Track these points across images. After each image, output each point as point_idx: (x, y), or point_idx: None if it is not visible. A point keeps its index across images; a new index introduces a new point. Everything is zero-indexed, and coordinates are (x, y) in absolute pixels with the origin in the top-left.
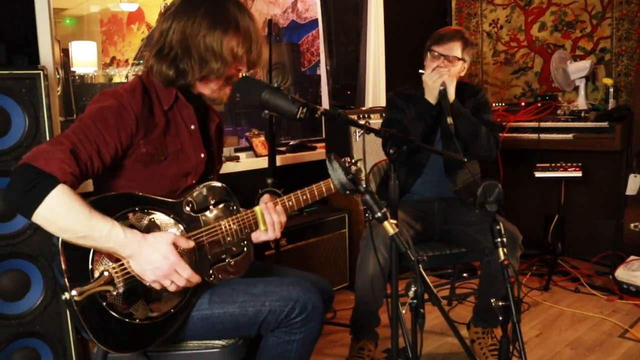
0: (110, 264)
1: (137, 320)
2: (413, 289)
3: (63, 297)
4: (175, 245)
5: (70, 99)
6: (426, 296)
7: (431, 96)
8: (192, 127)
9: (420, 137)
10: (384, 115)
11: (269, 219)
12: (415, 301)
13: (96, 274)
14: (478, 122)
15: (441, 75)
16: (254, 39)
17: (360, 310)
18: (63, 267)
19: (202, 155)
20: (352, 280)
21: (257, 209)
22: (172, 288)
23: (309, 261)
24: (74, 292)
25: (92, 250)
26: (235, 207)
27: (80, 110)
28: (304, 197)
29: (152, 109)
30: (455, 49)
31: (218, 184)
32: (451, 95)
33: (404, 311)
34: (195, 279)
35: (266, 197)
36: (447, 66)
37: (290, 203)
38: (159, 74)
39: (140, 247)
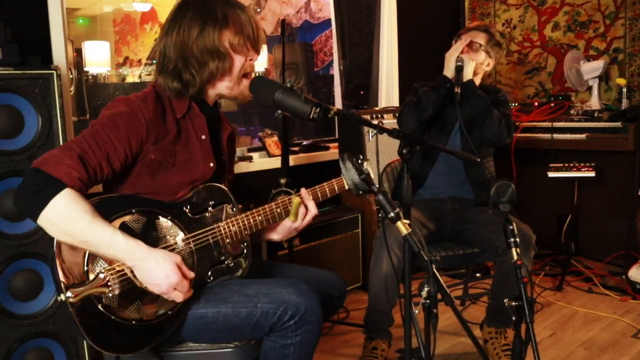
0: (106, 265)
1: (134, 322)
2: (426, 289)
3: (59, 298)
4: (178, 267)
5: (83, 98)
6: (439, 296)
7: (448, 70)
8: (203, 137)
9: (433, 109)
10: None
11: (302, 211)
12: (428, 301)
13: (91, 276)
14: (491, 104)
15: (460, 51)
16: (246, 24)
17: (373, 310)
18: (59, 268)
19: (212, 164)
20: (365, 280)
21: (296, 200)
22: (171, 297)
23: (322, 261)
24: (69, 294)
25: (87, 253)
26: (234, 209)
27: (93, 110)
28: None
29: (164, 116)
30: (479, 37)
31: (217, 186)
32: (467, 73)
33: (417, 311)
34: (189, 294)
35: (304, 192)
36: (468, 51)
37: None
38: (168, 89)
39: (144, 261)
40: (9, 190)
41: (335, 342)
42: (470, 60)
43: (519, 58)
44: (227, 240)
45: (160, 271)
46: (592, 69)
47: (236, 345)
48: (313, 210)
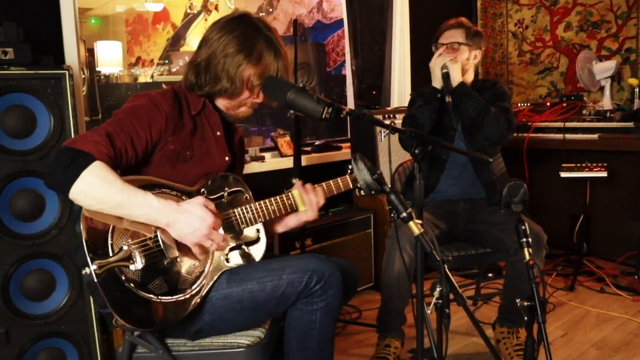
0: (130, 240)
1: (155, 297)
2: (438, 289)
3: (84, 271)
4: (205, 206)
5: (96, 98)
6: (451, 296)
7: (436, 81)
8: (218, 133)
9: (430, 123)
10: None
11: (307, 199)
12: (440, 301)
13: (116, 250)
14: (484, 102)
15: (443, 58)
16: (273, 72)
17: (386, 310)
18: (84, 243)
19: (227, 158)
20: (377, 280)
21: (294, 192)
22: (213, 248)
23: None
24: (94, 266)
25: (112, 227)
26: (248, 197)
27: (106, 110)
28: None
29: (181, 112)
30: (456, 36)
31: (232, 175)
32: (455, 77)
33: (429, 311)
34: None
35: (299, 182)
36: (450, 53)
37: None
38: (185, 79)
39: (176, 213)
40: (21, 190)
41: (347, 342)
42: (454, 64)
43: (531, 58)
44: (243, 226)
45: (194, 217)
46: (604, 69)
47: (248, 345)
48: (321, 199)
